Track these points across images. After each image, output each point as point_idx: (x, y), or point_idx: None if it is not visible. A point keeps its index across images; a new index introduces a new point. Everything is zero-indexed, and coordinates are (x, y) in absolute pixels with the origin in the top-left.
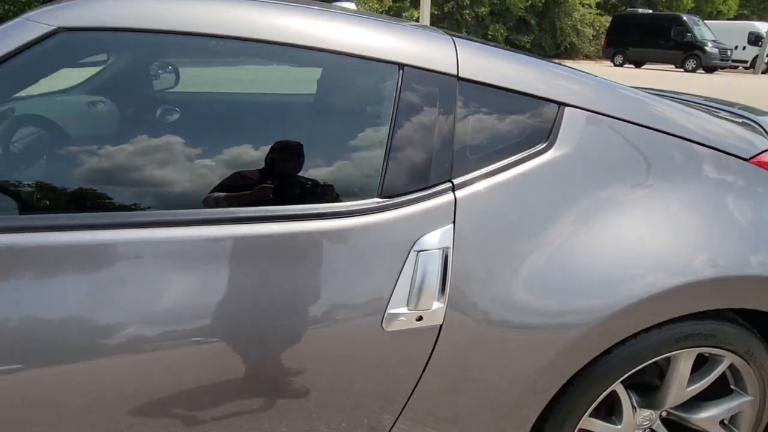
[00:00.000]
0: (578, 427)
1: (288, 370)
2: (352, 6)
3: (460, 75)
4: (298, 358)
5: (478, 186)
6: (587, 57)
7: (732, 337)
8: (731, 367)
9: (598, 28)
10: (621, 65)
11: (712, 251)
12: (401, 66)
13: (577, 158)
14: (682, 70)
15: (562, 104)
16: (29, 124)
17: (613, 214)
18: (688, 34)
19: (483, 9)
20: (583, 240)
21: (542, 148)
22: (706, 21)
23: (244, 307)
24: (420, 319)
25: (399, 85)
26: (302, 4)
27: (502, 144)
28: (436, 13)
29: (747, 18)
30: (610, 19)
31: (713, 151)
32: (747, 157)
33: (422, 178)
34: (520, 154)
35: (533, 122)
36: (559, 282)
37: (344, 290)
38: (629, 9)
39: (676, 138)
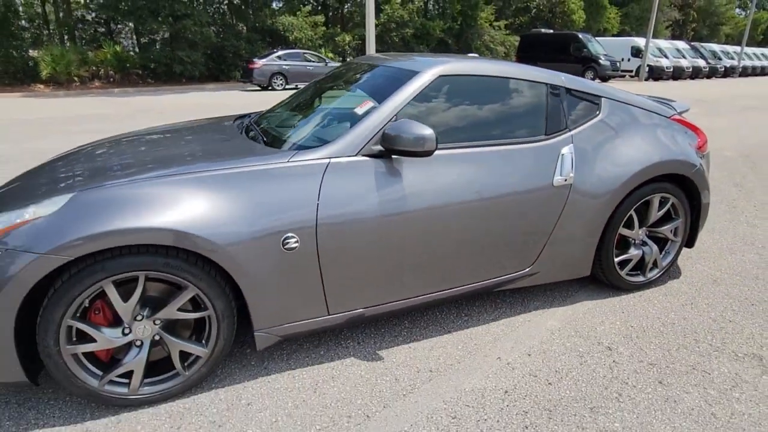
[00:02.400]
0: (618, 233)
1: (516, 213)
2: (476, 55)
3: (566, 87)
4: (517, 204)
5: (577, 130)
6: None
7: (671, 189)
8: (672, 205)
9: (508, 46)
10: None
11: (658, 152)
12: (546, 84)
13: (608, 118)
14: None
15: (600, 96)
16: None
17: (620, 140)
18: (584, 49)
19: (408, 31)
20: (615, 151)
21: (597, 115)
22: (597, 37)
23: (500, 183)
24: (566, 180)
25: (547, 92)
26: (520, 65)
27: (583, 113)
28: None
29: (628, 33)
30: (518, 38)
31: (653, 113)
32: (668, 116)
33: (558, 127)
34: (590, 117)
35: (592, 105)
36: (609, 167)
37: (539, 171)
38: (534, 29)
39: (639, 108)
